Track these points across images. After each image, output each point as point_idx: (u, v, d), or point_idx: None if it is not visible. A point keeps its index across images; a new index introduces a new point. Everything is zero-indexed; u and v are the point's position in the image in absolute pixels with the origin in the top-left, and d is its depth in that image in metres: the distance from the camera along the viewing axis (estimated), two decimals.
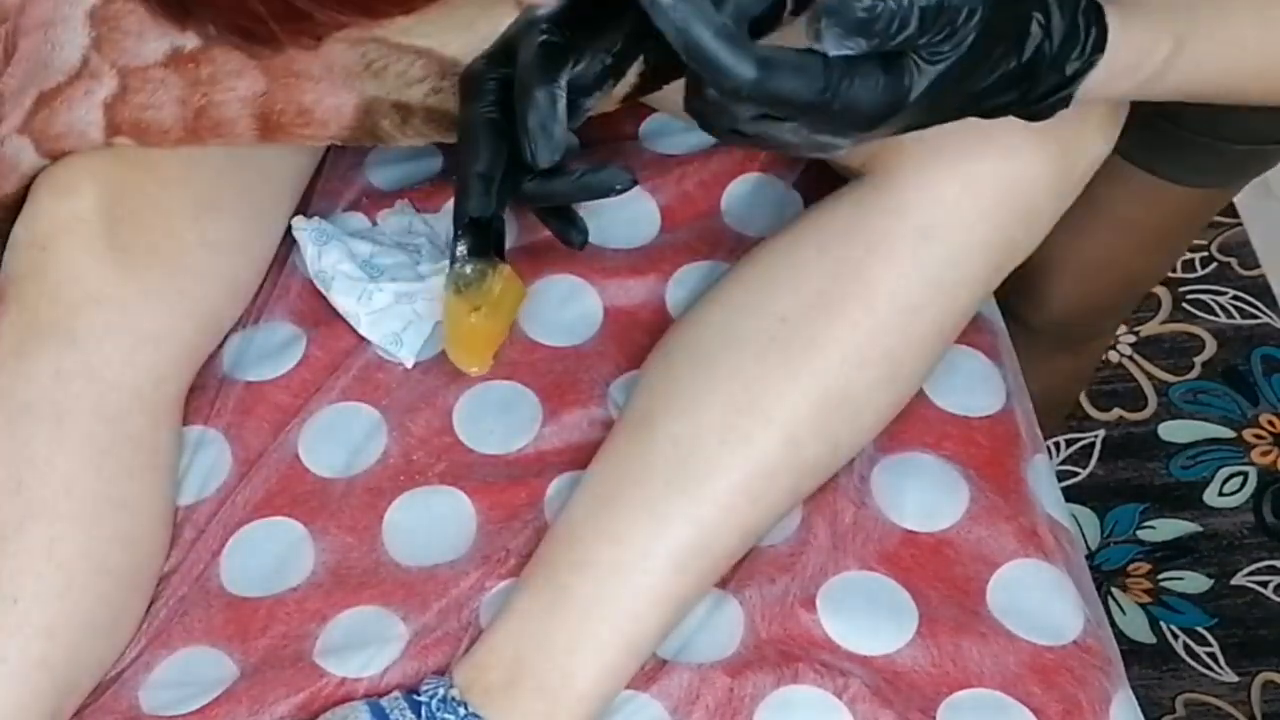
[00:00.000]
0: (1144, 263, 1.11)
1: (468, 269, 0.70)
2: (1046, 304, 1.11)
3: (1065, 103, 0.58)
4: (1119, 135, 0.72)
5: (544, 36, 0.60)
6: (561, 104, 0.61)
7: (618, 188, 0.67)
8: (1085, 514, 1.59)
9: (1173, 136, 0.92)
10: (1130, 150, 0.87)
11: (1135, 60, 0.59)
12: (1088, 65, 0.56)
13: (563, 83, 0.61)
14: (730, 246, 0.86)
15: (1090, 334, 1.25)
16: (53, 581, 0.69)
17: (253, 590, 0.75)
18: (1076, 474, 1.63)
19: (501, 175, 0.67)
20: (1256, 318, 1.75)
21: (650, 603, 0.68)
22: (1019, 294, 1.04)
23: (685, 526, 0.68)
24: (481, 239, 0.70)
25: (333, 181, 0.92)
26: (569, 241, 0.72)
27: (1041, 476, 0.79)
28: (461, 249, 0.70)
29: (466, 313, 0.71)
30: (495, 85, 0.66)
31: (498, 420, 0.80)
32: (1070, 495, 1.47)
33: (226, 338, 0.83)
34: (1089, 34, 0.56)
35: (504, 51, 0.65)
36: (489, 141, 0.66)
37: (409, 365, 0.83)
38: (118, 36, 0.78)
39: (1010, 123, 0.59)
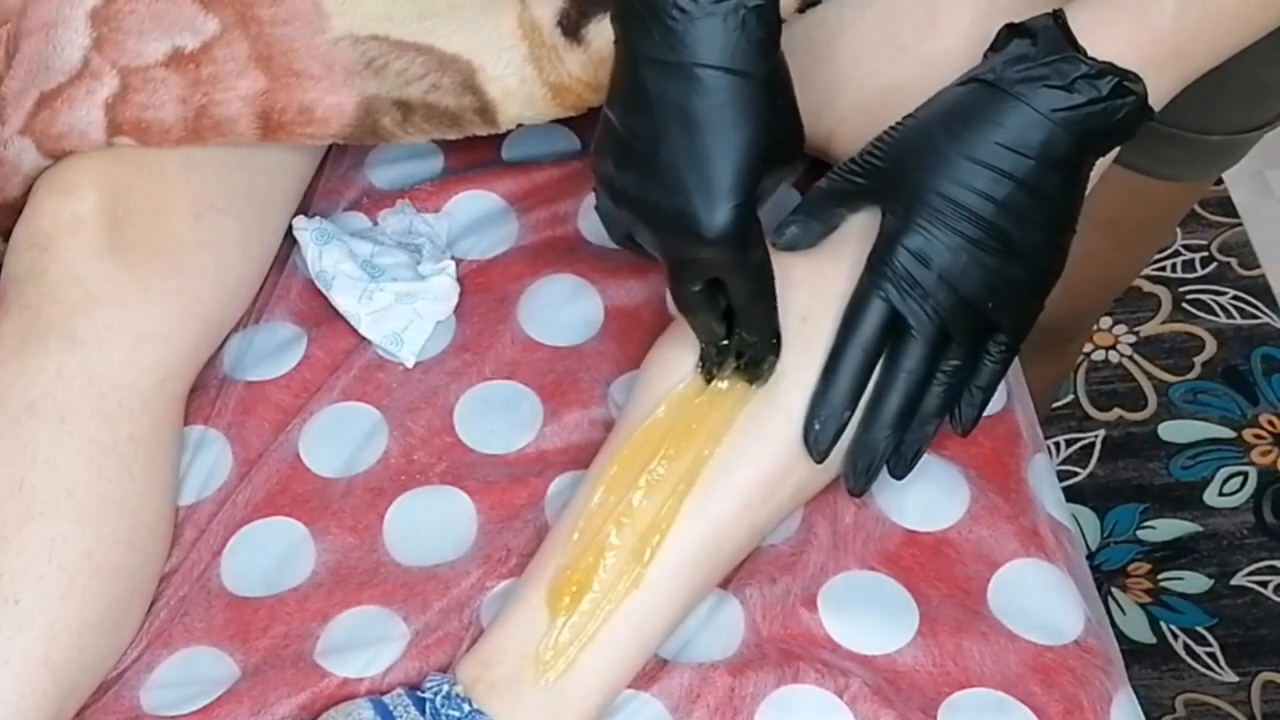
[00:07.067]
0: (1124, 259, 1.11)
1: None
2: None
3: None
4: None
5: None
6: None
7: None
8: (1085, 514, 1.59)
9: (1153, 132, 0.92)
10: None
11: None
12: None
13: None
14: None
15: (1071, 334, 1.25)
16: (54, 582, 0.69)
17: (254, 590, 0.75)
18: (1076, 474, 1.63)
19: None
20: (1256, 318, 1.75)
21: (660, 598, 0.68)
22: None
23: (700, 522, 0.69)
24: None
25: (333, 181, 0.92)
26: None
27: (1042, 476, 0.79)
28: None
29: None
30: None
31: (498, 420, 0.80)
32: (1070, 495, 1.47)
33: (227, 338, 0.83)
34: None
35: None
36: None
37: (410, 365, 0.83)
38: (119, 36, 0.78)
39: None
